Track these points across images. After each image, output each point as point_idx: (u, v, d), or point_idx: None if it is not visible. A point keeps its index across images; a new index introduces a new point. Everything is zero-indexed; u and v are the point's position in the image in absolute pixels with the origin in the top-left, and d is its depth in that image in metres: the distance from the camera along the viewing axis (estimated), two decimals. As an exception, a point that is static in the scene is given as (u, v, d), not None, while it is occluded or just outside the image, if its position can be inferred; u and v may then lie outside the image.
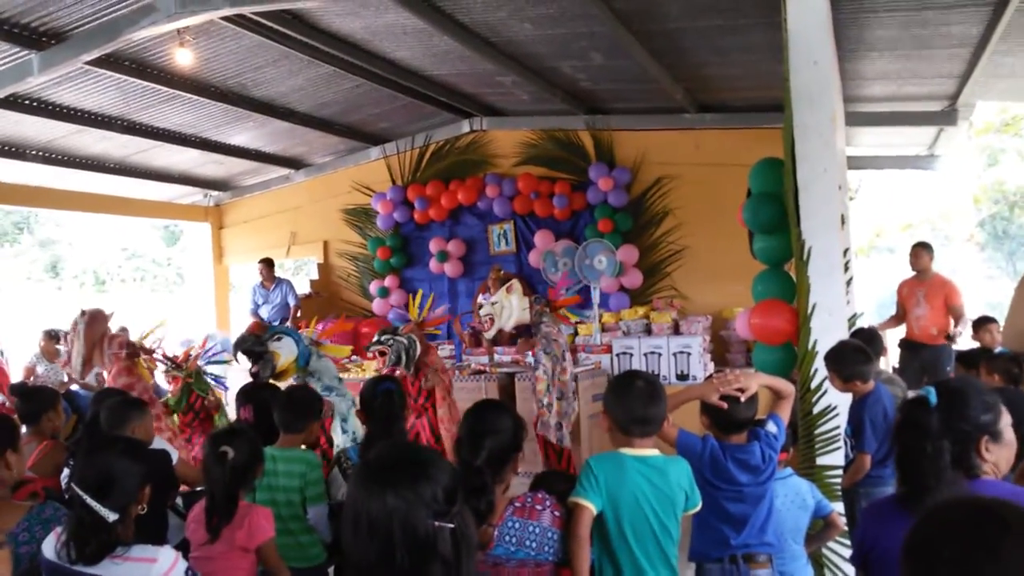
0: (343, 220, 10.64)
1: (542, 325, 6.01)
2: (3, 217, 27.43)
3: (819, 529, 3.30)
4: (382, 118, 9.42)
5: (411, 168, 10.13)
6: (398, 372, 5.30)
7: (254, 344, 4.65)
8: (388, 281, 10.17)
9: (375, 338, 5.47)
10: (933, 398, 1.95)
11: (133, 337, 5.26)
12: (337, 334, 5.72)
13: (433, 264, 9.98)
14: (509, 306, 6.13)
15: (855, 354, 3.85)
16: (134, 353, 5.14)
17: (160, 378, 5.88)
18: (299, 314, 9.47)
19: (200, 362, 5.30)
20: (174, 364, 5.12)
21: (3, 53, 6.20)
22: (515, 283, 6.39)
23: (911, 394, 4.41)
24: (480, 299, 6.30)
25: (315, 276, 10.97)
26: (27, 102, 7.32)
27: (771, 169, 4.48)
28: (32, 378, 8.31)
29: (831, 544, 3.65)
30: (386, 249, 10.17)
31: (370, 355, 5.49)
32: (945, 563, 1.17)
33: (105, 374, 5.25)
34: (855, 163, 9.25)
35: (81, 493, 2.18)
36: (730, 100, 8.42)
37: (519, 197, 9.44)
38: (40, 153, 8.64)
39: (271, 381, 4.59)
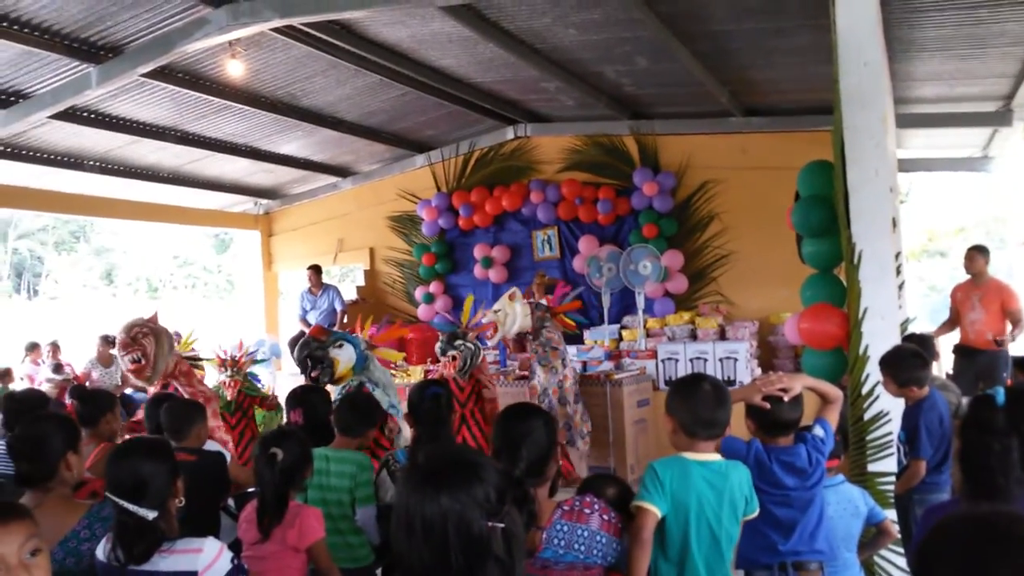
0: (389, 227, 10.75)
1: (543, 331, 6.02)
2: (61, 226, 28.26)
3: (871, 536, 3.24)
4: (427, 126, 9.51)
5: (456, 175, 10.21)
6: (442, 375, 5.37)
7: (317, 349, 4.72)
8: (433, 287, 10.25)
9: (442, 342, 5.64)
10: (1001, 398, 1.92)
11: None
12: (388, 340, 5.79)
13: (478, 270, 10.03)
14: (512, 313, 6.22)
15: (912, 358, 3.78)
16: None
17: (260, 371, 6.10)
18: (345, 320, 9.59)
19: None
20: (225, 367, 5.22)
21: (64, 67, 6.41)
22: (516, 291, 6.48)
23: (966, 401, 4.33)
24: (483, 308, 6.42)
25: (361, 282, 11.10)
26: (86, 114, 7.55)
27: (820, 172, 4.42)
28: (87, 383, 8.55)
29: (883, 552, 3.58)
30: (431, 255, 10.25)
31: (444, 360, 5.62)
32: None
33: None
34: (906, 166, 9.08)
35: (117, 499, 2.24)
36: (777, 103, 8.33)
37: (563, 203, 9.45)
38: (98, 164, 8.90)
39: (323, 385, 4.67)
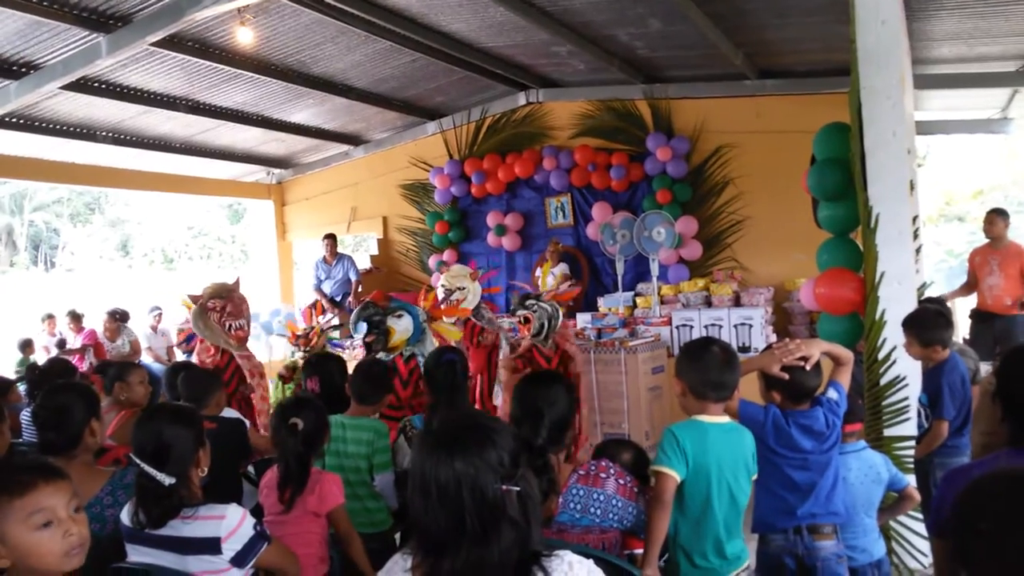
0: (401, 195, 10.74)
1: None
2: (76, 198, 28.40)
3: (892, 501, 3.24)
4: (438, 92, 9.44)
5: (468, 142, 10.15)
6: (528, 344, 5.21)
7: (375, 315, 4.69)
8: (446, 255, 10.25)
9: (515, 302, 5.29)
10: None
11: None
12: (450, 315, 5.64)
13: (491, 238, 10.01)
14: (474, 290, 6.06)
15: (936, 318, 3.76)
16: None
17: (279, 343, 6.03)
18: (360, 289, 9.62)
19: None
20: (300, 342, 5.22)
21: (74, 37, 6.39)
22: (475, 268, 6.34)
23: (984, 366, 4.31)
24: (440, 280, 6.15)
25: (375, 251, 11.11)
26: (97, 84, 7.54)
27: (837, 134, 4.36)
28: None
29: (901, 517, 3.59)
30: (444, 223, 10.24)
31: (516, 320, 5.28)
32: (982, 536, 1.16)
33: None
34: (923, 128, 8.95)
35: (139, 462, 2.28)
36: (792, 65, 8.21)
37: (576, 169, 9.39)
38: (110, 134, 8.91)
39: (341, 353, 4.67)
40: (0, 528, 1.63)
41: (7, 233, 27.77)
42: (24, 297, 16.48)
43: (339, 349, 5.16)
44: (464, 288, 6.05)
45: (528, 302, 5.24)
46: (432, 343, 4.92)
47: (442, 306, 5.43)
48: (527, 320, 5.15)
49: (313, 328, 5.59)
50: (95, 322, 9.68)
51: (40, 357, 8.83)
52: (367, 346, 4.67)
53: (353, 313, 4.94)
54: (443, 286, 5.96)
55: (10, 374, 7.32)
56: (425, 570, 1.50)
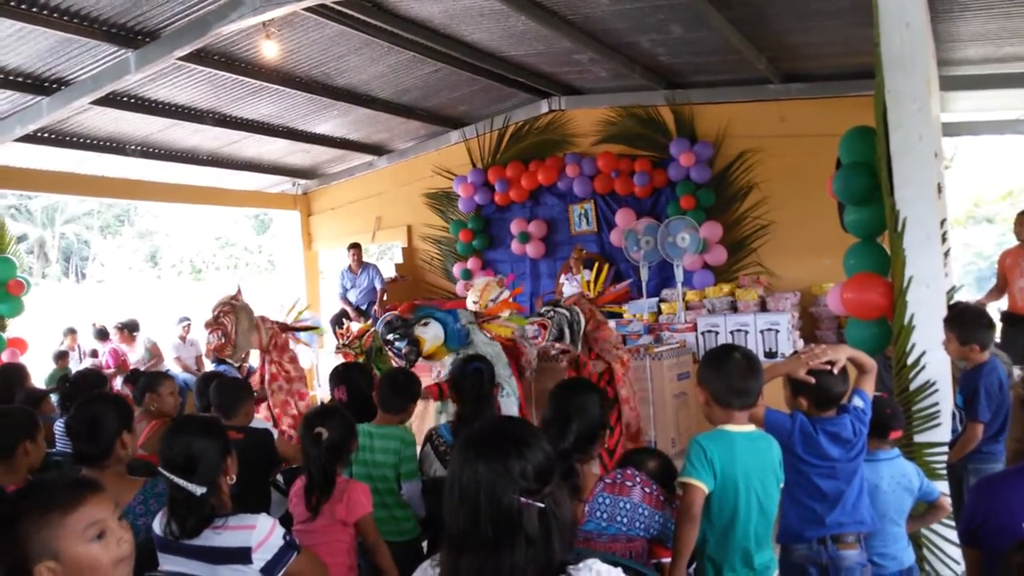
0: (425, 204, 10.79)
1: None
2: (106, 210, 28.84)
3: (923, 510, 3.20)
4: (461, 101, 9.49)
5: (491, 150, 10.19)
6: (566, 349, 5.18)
7: (402, 326, 4.70)
8: (471, 263, 10.28)
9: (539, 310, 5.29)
10: None
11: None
12: (502, 311, 5.58)
13: (515, 245, 10.03)
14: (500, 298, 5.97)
15: (978, 317, 3.72)
16: (284, 328, 5.37)
17: (304, 351, 6.10)
18: (385, 297, 9.67)
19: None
20: (347, 343, 5.26)
21: (103, 53, 6.50)
22: (501, 277, 6.26)
23: (1016, 371, 4.25)
24: (473, 286, 5.98)
25: (400, 260, 11.17)
26: (125, 99, 7.67)
27: (862, 138, 4.32)
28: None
29: (933, 525, 3.54)
30: (468, 232, 10.27)
31: (531, 328, 5.32)
32: None
33: (253, 363, 5.36)
34: (950, 130, 8.84)
35: (168, 474, 2.31)
36: (816, 69, 8.16)
37: (599, 176, 9.39)
38: (138, 148, 9.05)
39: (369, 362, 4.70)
40: (56, 546, 1.63)
41: (39, 245, 28.25)
42: (56, 308, 16.75)
43: (398, 359, 5.17)
44: (494, 299, 6.03)
45: (545, 308, 5.24)
46: (486, 342, 4.86)
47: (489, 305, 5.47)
48: (544, 327, 5.16)
49: (369, 332, 5.58)
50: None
51: (73, 366, 8.99)
52: (405, 358, 4.66)
53: (381, 332, 4.95)
54: (475, 302, 5.94)
55: (44, 385, 7.44)
56: (446, 566, 1.51)
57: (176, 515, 2.30)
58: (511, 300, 6.02)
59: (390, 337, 4.75)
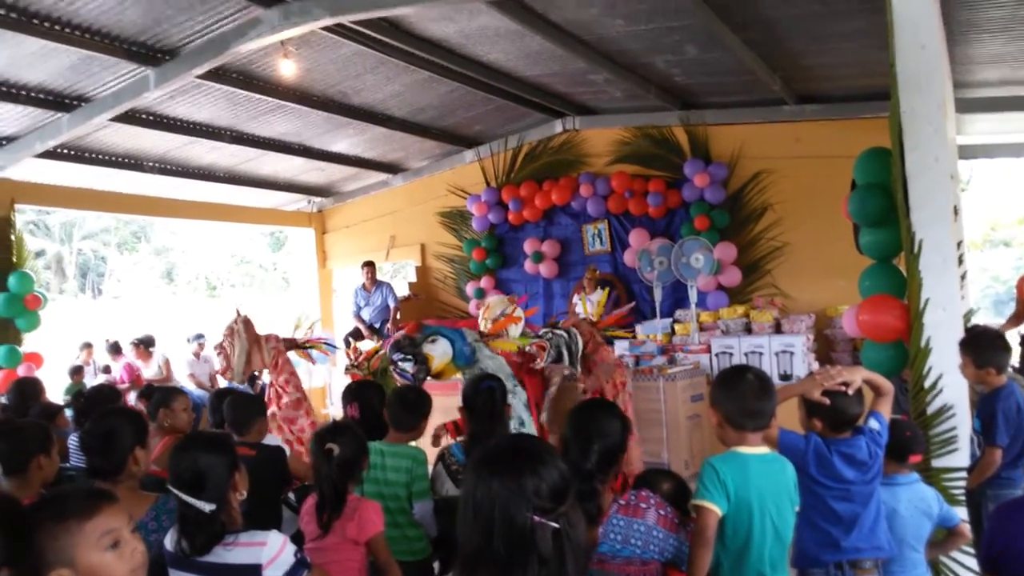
0: (439, 223, 10.83)
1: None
2: (123, 227, 29.09)
3: (942, 537, 3.15)
4: (476, 121, 9.54)
5: (505, 170, 10.22)
6: (567, 371, 5.23)
7: (409, 346, 4.72)
8: (484, 282, 10.29)
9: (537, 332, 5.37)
10: None
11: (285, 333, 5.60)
12: (504, 328, 5.64)
13: (528, 265, 10.04)
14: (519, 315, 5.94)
15: (994, 340, 3.68)
16: (292, 346, 5.43)
17: (318, 369, 6.21)
18: (399, 316, 9.69)
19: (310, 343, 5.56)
20: (354, 364, 5.31)
21: (123, 70, 6.59)
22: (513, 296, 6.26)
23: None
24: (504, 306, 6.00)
25: (413, 278, 11.19)
26: (144, 116, 7.75)
27: (878, 159, 4.31)
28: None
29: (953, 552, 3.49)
30: (481, 250, 10.29)
31: (529, 349, 5.36)
32: None
33: (266, 379, 5.48)
34: (967, 152, 8.80)
35: (177, 492, 2.30)
36: (831, 90, 8.16)
37: (613, 196, 9.40)
38: (156, 164, 9.13)
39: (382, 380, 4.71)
40: (71, 553, 1.67)
41: (57, 261, 28.48)
42: (73, 324, 16.86)
43: (406, 380, 5.19)
44: (507, 309, 6.03)
45: (544, 330, 5.31)
46: (491, 356, 4.87)
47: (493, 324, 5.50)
48: (543, 348, 5.22)
49: (378, 354, 5.63)
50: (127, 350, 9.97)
51: (88, 381, 9.03)
52: (413, 378, 4.66)
53: (389, 353, 4.97)
54: (485, 319, 5.95)
55: (60, 400, 7.48)
56: None
57: (186, 532, 2.30)
58: (516, 316, 6.00)
59: (396, 358, 4.77)
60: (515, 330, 5.64)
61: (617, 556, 2.40)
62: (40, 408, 4.85)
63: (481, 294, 10.21)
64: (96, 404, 4.35)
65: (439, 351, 4.69)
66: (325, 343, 6.14)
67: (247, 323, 5.46)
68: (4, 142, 7.70)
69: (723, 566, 2.47)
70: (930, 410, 3.82)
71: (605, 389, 5.25)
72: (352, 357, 5.57)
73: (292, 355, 5.77)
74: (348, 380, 5.76)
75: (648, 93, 8.33)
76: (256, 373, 7.69)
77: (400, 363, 4.70)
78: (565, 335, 5.23)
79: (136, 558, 1.77)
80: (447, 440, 4.47)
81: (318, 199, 11.78)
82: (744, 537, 2.42)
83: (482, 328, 5.62)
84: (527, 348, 5.34)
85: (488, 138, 10.22)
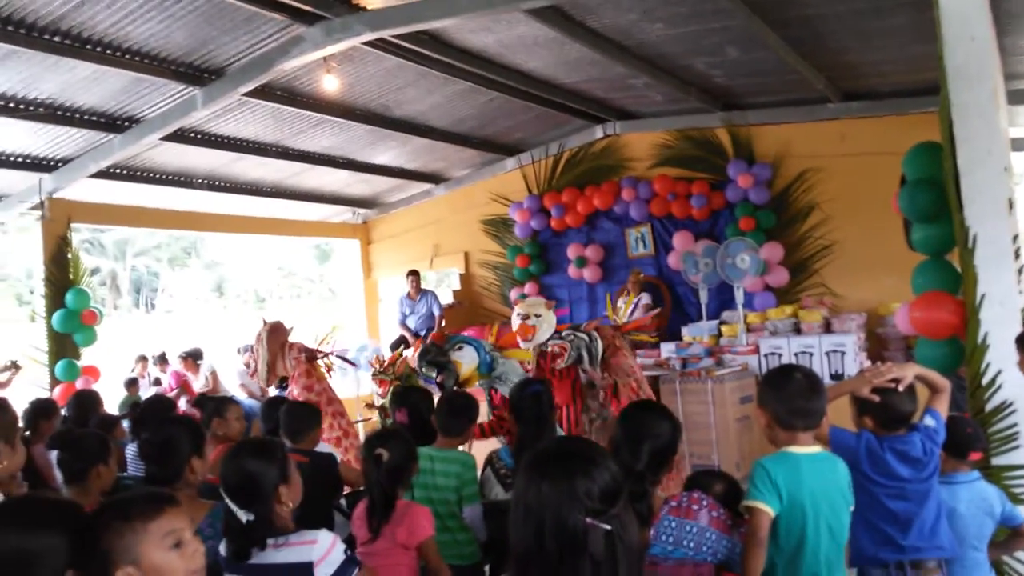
0: (482, 231, 10.88)
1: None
2: (174, 243, 29.78)
3: (1005, 537, 3.07)
4: (517, 129, 9.57)
5: (546, 176, 10.24)
6: (589, 372, 5.27)
7: (437, 355, 4.81)
8: (528, 288, 10.30)
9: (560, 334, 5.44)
10: None
11: (310, 343, 5.75)
12: (512, 342, 5.74)
13: (572, 270, 10.03)
14: (549, 322, 5.87)
15: None
16: (312, 357, 5.54)
17: (337, 378, 6.36)
18: (443, 323, 9.74)
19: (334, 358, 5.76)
20: (382, 369, 5.42)
21: (172, 91, 6.76)
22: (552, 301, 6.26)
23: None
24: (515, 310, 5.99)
25: (457, 286, 11.26)
26: (193, 135, 7.93)
27: (928, 154, 4.23)
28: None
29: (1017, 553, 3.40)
30: (525, 257, 10.31)
31: (549, 350, 5.41)
32: None
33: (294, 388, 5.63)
34: (1020, 144, 8.57)
35: (224, 496, 2.36)
36: (877, 86, 8.02)
37: (656, 199, 9.35)
38: (205, 181, 9.33)
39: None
40: (137, 551, 1.73)
41: (111, 278, 29.25)
42: (127, 338, 17.30)
43: (431, 385, 5.26)
44: (540, 316, 6.00)
45: (566, 332, 5.35)
46: (514, 370, 4.95)
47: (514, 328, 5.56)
48: (564, 350, 5.26)
49: (402, 358, 5.71)
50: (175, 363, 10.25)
51: (143, 393, 9.26)
52: (440, 386, 4.77)
53: (416, 360, 5.08)
54: (519, 314, 5.98)
55: (116, 411, 7.67)
56: None
57: (230, 537, 2.37)
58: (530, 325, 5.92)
59: (421, 367, 4.88)
60: (544, 334, 5.64)
61: (669, 558, 2.38)
62: (98, 419, 4.97)
63: (524, 299, 10.21)
64: (152, 414, 4.46)
65: (467, 358, 4.81)
66: (340, 357, 6.30)
67: (272, 331, 5.64)
68: (60, 164, 7.94)
69: (777, 567, 2.43)
70: (988, 407, 3.74)
71: (621, 391, 5.24)
72: (377, 365, 5.66)
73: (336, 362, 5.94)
74: (374, 389, 5.89)
75: (689, 95, 8.27)
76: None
77: (424, 370, 4.82)
78: (586, 338, 5.28)
79: (197, 559, 1.82)
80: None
81: (363, 211, 11.92)
82: (798, 538, 2.39)
83: (515, 322, 5.66)
84: (548, 349, 5.38)
85: (529, 145, 10.25)
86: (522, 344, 5.52)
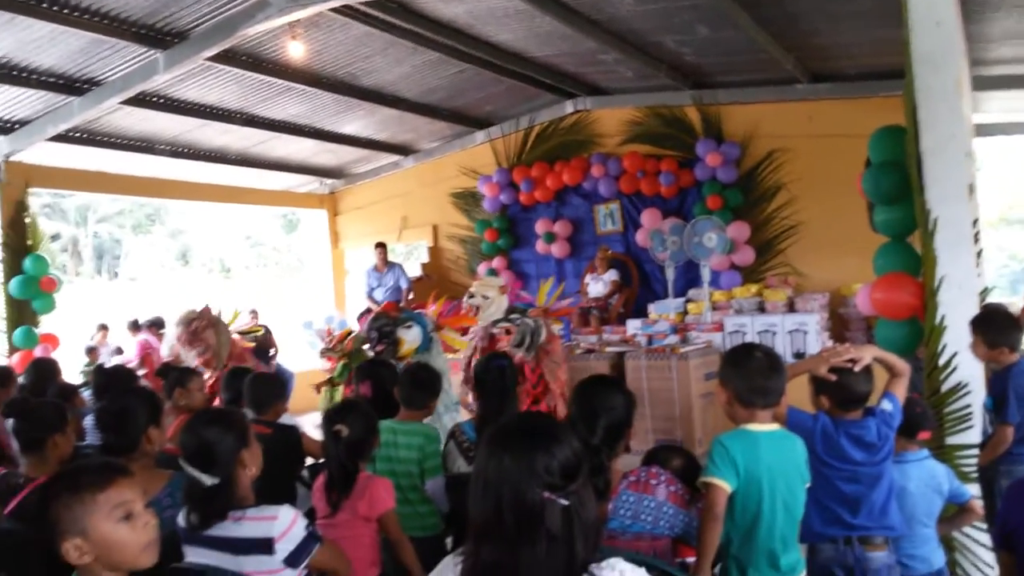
0: (451, 204, 10.83)
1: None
2: (137, 209, 29.24)
3: (953, 513, 3.15)
4: (486, 102, 9.51)
5: (516, 150, 10.20)
6: (517, 356, 5.28)
7: (385, 324, 4.85)
8: (496, 263, 10.29)
9: (504, 315, 5.44)
10: None
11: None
12: (457, 325, 5.77)
13: (540, 245, 10.03)
14: (498, 303, 5.85)
15: (1005, 319, 3.67)
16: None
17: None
18: (411, 296, 9.71)
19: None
20: (328, 346, 5.43)
21: (133, 53, 6.60)
22: (505, 283, 6.26)
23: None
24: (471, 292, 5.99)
25: (425, 259, 11.22)
26: (155, 99, 7.77)
27: (892, 137, 4.27)
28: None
29: (965, 528, 3.49)
30: (493, 231, 10.29)
31: (496, 331, 5.40)
32: None
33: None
34: (983, 130, 8.69)
35: (183, 463, 2.33)
36: (845, 68, 8.07)
37: (625, 176, 9.36)
38: (168, 147, 9.17)
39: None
40: (85, 523, 1.70)
41: (73, 244, 28.68)
42: (90, 305, 17.00)
43: (370, 352, 5.35)
44: (488, 297, 5.94)
45: (513, 316, 5.35)
46: (440, 354, 5.04)
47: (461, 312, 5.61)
48: (509, 332, 5.27)
49: (350, 335, 5.73)
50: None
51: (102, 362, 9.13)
52: (377, 355, 4.85)
53: (366, 325, 5.11)
54: (469, 291, 5.96)
55: (76, 379, 7.56)
56: (469, 559, 1.51)
57: (192, 505, 2.32)
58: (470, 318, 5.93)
59: (371, 332, 4.97)
60: (489, 314, 5.63)
61: (627, 532, 2.41)
62: (56, 388, 4.89)
63: (493, 274, 10.20)
64: (113, 384, 4.39)
65: (411, 336, 4.92)
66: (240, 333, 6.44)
67: (219, 320, 5.64)
68: (17, 126, 7.74)
69: (733, 542, 2.47)
70: (944, 388, 3.81)
71: (552, 386, 5.21)
72: (325, 340, 5.66)
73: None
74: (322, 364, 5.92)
75: (659, 72, 8.27)
76: (271, 352, 7.78)
77: (371, 334, 4.94)
78: (531, 323, 5.27)
79: (148, 532, 1.79)
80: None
81: (330, 181, 11.80)
82: (754, 513, 2.42)
83: (465, 300, 5.67)
84: (495, 331, 5.37)
85: (499, 119, 10.19)
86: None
